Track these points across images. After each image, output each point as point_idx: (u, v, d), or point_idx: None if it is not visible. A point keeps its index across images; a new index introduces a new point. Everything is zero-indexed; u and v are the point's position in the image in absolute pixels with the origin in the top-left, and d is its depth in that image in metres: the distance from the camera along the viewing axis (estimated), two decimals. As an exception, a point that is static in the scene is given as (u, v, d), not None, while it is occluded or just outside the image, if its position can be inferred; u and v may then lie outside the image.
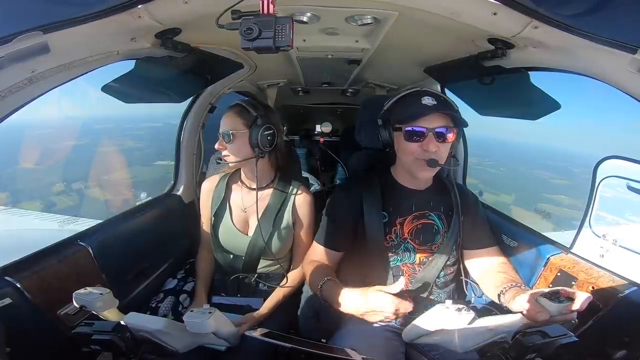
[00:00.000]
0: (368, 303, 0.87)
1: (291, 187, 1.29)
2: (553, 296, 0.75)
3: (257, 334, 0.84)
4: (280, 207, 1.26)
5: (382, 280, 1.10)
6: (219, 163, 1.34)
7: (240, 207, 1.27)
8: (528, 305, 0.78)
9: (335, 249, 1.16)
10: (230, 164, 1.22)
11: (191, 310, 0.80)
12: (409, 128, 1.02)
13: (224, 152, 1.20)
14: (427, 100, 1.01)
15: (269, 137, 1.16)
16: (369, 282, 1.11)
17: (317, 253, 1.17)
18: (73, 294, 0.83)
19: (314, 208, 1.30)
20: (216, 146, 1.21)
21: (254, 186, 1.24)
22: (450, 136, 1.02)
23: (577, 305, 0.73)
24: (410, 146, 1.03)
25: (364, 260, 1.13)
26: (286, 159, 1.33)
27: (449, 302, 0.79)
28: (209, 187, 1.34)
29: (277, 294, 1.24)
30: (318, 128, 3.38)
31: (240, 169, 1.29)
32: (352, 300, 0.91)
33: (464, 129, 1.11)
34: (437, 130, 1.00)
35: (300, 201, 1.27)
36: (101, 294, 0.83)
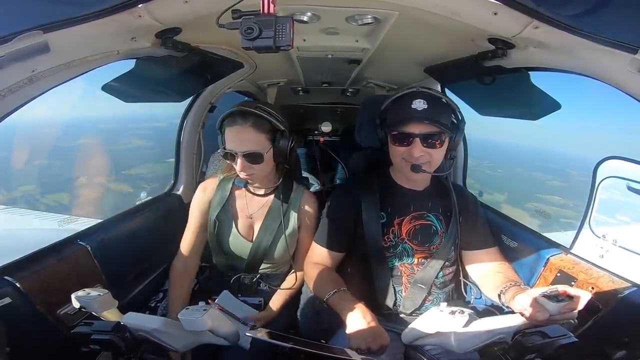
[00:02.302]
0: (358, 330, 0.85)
1: (296, 191, 1.27)
2: (552, 295, 0.75)
3: (257, 334, 0.84)
4: (285, 212, 1.23)
5: (382, 280, 1.10)
6: (242, 183, 1.20)
7: (246, 214, 1.23)
8: (528, 304, 0.78)
9: (335, 250, 1.16)
10: (252, 182, 1.15)
11: (186, 308, 0.80)
12: (395, 132, 1.03)
13: (248, 173, 1.09)
14: (418, 104, 1.00)
15: (292, 146, 1.09)
16: (369, 281, 1.12)
17: (318, 254, 1.16)
18: (72, 295, 0.82)
19: (318, 212, 1.29)
20: (241, 172, 1.08)
21: (259, 192, 1.24)
22: (439, 142, 1.01)
23: (576, 304, 0.73)
24: (397, 149, 1.05)
25: (363, 260, 1.13)
26: (296, 162, 1.30)
27: (443, 305, 0.80)
28: (207, 192, 1.25)
29: (282, 294, 1.24)
30: (318, 128, 3.37)
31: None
32: (353, 324, 0.88)
33: (464, 129, 1.11)
34: (424, 136, 1.00)
35: (306, 206, 1.26)
36: (99, 295, 0.83)
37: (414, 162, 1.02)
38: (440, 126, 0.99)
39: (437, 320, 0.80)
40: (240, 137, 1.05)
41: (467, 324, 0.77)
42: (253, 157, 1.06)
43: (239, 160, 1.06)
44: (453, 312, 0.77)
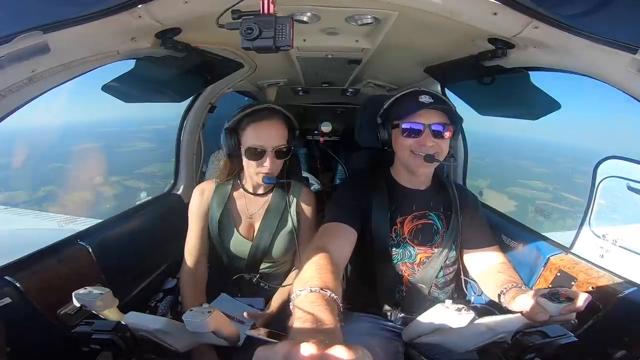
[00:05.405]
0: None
1: (294, 188, 1.27)
2: (553, 296, 0.75)
3: (257, 333, 0.84)
4: (284, 210, 1.24)
5: (384, 279, 1.10)
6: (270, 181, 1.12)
7: (246, 215, 1.23)
8: (528, 305, 0.78)
9: (347, 223, 1.02)
10: (267, 183, 1.13)
11: (190, 310, 0.80)
12: (406, 125, 1.04)
13: (275, 169, 1.09)
14: (424, 98, 1.03)
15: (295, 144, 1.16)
16: (370, 280, 1.12)
17: (323, 230, 1.04)
18: (73, 293, 0.82)
19: (317, 207, 1.29)
20: (269, 167, 1.06)
21: (259, 191, 1.24)
22: (447, 133, 1.04)
23: (576, 305, 0.73)
24: (407, 141, 1.05)
25: (365, 258, 1.13)
26: (296, 160, 1.33)
27: (448, 302, 0.80)
28: (205, 195, 1.24)
29: (283, 293, 1.23)
30: (318, 128, 3.38)
31: (239, 174, 1.26)
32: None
33: (464, 129, 1.11)
34: (433, 127, 1.02)
35: (304, 201, 1.26)
36: (101, 293, 0.83)
37: (426, 152, 1.02)
38: (448, 116, 1.04)
39: (442, 317, 0.80)
40: (271, 133, 1.06)
41: (471, 322, 0.77)
42: (281, 153, 1.08)
43: (268, 158, 1.06)
44: (459, 309, 0.77)
